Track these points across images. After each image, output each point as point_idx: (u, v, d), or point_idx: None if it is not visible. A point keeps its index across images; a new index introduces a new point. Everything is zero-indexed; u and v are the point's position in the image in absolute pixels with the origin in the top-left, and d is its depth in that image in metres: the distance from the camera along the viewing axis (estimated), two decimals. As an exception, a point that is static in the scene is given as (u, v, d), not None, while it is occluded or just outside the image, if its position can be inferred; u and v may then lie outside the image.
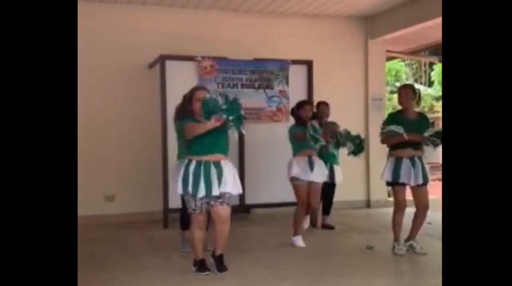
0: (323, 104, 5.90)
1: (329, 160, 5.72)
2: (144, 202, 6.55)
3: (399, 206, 4.66)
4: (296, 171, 5.00)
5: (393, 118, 4.68)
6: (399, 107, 4.81)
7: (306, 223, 5.23)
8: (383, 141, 4.74)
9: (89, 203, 6.34)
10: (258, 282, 3.91)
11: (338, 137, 5.05)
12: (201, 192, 3.93)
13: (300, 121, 5.12)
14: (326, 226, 5.96)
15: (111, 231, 5.94)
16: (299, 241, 5.11)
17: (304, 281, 3.93)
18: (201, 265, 4.19)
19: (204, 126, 3.86)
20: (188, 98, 4.15)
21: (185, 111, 4.15)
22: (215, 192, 3.94)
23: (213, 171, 3.95)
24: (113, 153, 6.56)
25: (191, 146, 4.00)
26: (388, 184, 4.77)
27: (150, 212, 6.43)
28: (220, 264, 4.16)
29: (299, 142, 5.04)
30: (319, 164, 5.14)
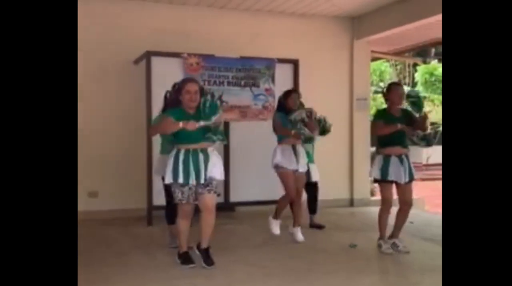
0: (294, 92, 5.85)
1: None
2: (128, 199, 6.50)
3: (386, 204, 4.70)
4: (279, 159, 5.02)
5: (381, 114, 4.75)
6: (384, 105, 4.88)
7: (277, 229, 5.21)
8: (376, 131, 4.72)
9: (72, 199, 6.28)
10: (243, 280, 3.92)
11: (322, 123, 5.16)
12: (191, 179, 3.98)
13: (285, 110, 5.11)
14: (314, 226, 5.96)
15: (95, 228, 5.88)
16: (276, 227, 5.15)
17: (289, 279, 3.95)
18: (185, 258, 4.21)
19: (174, 126, 3.95)
20: (177, 89, 4.17)
21: (173, 101, 4.17)
22: (203, 178, 4.00)
23: (201, 158, 4.02)
24: (97, 148, 6.50)
25: (179, 135, 4.02)
26: (375, 181, 4.81)
27: (134, 208, 6.38)
28: (207, 258, 4.17)
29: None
30: (303, 153, 5.18)
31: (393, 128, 4.56)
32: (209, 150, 4.11)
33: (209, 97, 4.14)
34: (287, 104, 5.17)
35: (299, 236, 5.18)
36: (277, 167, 5.08)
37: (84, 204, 6.37)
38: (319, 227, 5.93)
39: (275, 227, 5.18)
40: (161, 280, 3.93)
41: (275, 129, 5.20)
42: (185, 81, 4.26)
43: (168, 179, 4.07)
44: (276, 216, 5.20)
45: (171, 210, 4.80)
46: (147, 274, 4.07)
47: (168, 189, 4.78)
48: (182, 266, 4.21)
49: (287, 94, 5.27)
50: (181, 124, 3.93)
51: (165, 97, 4.77)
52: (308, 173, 5.67)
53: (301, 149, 5.14)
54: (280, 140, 5.14)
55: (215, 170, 4.09)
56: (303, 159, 5.16)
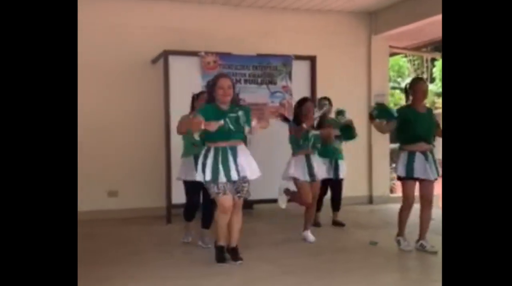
0: (324, 100, 5.87)
1: (334, 155, 5.72)
2: (147, 197, 6.54)
3: (408, 202, 4.61)
4: (292, 171, 5.03)
5: (403, 111, 4.64)
6: (402, 102, 4.80)
7: (312, 237, 5.19)
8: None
9: (92, 198, 6.35)
10: (263, 278, 3.90)
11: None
12: (222, 178, 4.02)
13: (297, 120, 5.07)
14: (336, 223, 5.93)
15: (115, 227, 5.94)
16: (310, 236, 5.14)
17: (309, 277, 3.92)
18: (220, 253, 4.25)
19: (197, 126, 3.95)
20: (211, 85, 4.19)
21: (209, 97, 4.20)
22: (234, 176, 4.04)
23: (230, 156, 4.05)
24: (116, 148, 6.56)
25: (209, 133, 4.03)
26: (399, 179, 4.71)
27: (153, 207, 6.43)
28: (235, 255, 4.24)
29: (296, 141, 5.06)
30: (318, 162, 5.16)
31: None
32: (238, 147, 4.12)
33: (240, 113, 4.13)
34: (302, 113, 5.06)
35: (311, 237, 5.15)
36: (293, 179, 5.08)
37: (104, 203, 6.46)
38: (341, 224, 5.89)
39: (309, 236, 5.15)
40: (181, 277, 3.94)
41: (291, 135, 5.15)
42: (217, 77, 4.28)
43: (199, 177, 4.12)
44: (306, 227, 5.18)
45: (189, 208, 4.86)
46: (166, 272, 4.09)
47: (188, 189, 4.82)
48: (202, 264, 4.23)
49: (301, 103, 5.18)
50: (203, 125, 3.91)
51: (193, 98, 4.85)
52: (336, 170, 5.64)
53: (315, 159, 5.10)
54: (295, 152, 5.12)
55: (247, 168, 4.11)
56: (318, 167, 5.12)
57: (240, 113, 4.13)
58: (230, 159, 4.06)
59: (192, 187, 4.73)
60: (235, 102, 4.21)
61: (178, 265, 4.30)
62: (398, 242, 4.69)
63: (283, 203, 5.27)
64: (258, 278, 3.91)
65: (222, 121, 3.99)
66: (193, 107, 4.80)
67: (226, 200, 4.11)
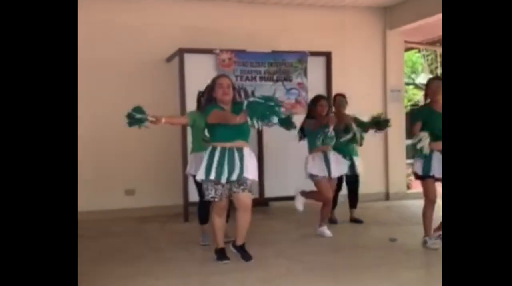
0: (340, 96, 5.84)
1: (348, 152, 5.68)
2: (164, 196, 6.56)
3: (430, 200, 4.53)
4: (311, 168, 5.06)
5: (424, 112, 4.60)
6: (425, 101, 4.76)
7: (328, 232, 5.18)
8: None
9: (110, 197, 6.38)
10: (283, 275, 3.89)
11: (353, 131, 5.39)
12: (224, 177, 3.97)
13: (313, 117, 5.13)
14: (354, 220, 5.90)
15: (132, 225, 5.97)
16: (326, 231, 5.15)
17: (329, 273, 3.90)
18: (221, 254, 4.23)
19: (231, 119, 3.92)
20: (211, 86, 4.18)
21: (209, 99, 4.17)
22: (235, 176, 3.99)
23: (236, 157, 4.01)
24: (132, 147, 6.57)
25: (215, 133, 4.04)
26: (417, 177, 4.66)
27: (171, 205, 6.44)
28: (245, 253, 4.20)
29: (312, 140, 5.09)
30: (336, 158, 5.17)
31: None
32: (245, 149, 4.09)
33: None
34: (316, 111, 5.12)
35: (327, 232, 5.15)
36: (312, 176, 5.10)
37: (121, 202, 6.49)
38: (359, 221, 5.86)
39: (326, 232, 5.16)
40: (201, 274, 3.94)
41: (308, 132, 5.17)
42: (216, 76, 4.29)
43: (200, 176, 4.08)
44: (321, 223, 5.20)
45: (203, 209, 4.84)
46: (187, 269, 4.09)
47: (200, 187, 4.82)
48: (220, 262, 4.21)
49: (315, 100, 5.22)
50: (238, 118, 3.83)
51: (199, 98, 4.83)
52: (352, 166, 5.62)
53: (331, 155, 5.12)
54: (311, 149, 5.14)
55: (250, 170, 4.06)
56: (336, 164, 5.14)
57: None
58: (237, 160, 3.99)
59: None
60: (236, 102, 4.13)
61: (197, 262, 4.30)
62: (425, 242, 4.59)
63: (300, 205, 5.27)
64: (278, 274, 3.89)
65: (240, 119, 3.86)
66: (199, 105, 4.78)
67: (221, 204, 4.14)
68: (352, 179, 5.83)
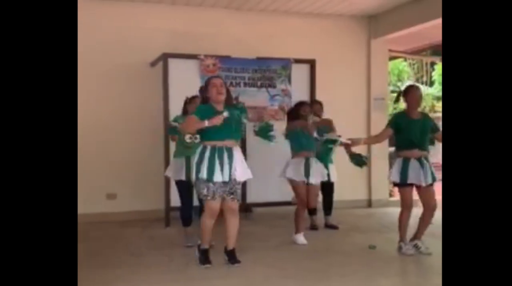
0: (317, 103, 5.92)
1: (323, 159, 5.72)
2: (145, 200, 6.54)
3: (406, 207, 4.62)
4: (290, 172, 5.13)
5: (398, 118, 4.69)
6: (400, 107, 4.83)
7: (303, 239, 5.18)
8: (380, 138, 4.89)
9: (91, 201, 6.33)
10: (261, 282, 3.89)
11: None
12: (218, 177, 4.03)
13: (296, 118, 5.21)
14: (329, 226, 5.95)
15: (113, 229, 5.93)
16: (301, 238, 5.16)
17: (307, 281, 3.91)
18: (204, 256, 4.26)
19: (200, 124, 4.03)
20: (204, 88, 4.26)
21: (203, 99, 4.26)
22: (226, 177, 4.05)
23: (226, 156, 4.07)
24: (115, 151, 6.55)
25: (206, 132, 4.09)
26: (395, 185, 4.74)
27: (152, 210, 6.42)
28: (233, 258, 4.25)
29: (298, 142, 5.15)
30: (317, 165, 5.22)
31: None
32: (234, 149, 4.15)
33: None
34: (299, 116, 5.21)
35: (301, 239, 5.15)
36: (289, 180, 5.17)
37: (102, 206, 6.45)
38: (334, 227, 5.90)
39: (301, 239, 5.17)
40: (179, 280, 3.93)
41: (289, 134, 5.24)
42: (210, 78, 4.40)
43: (193, 176, 4.14)
44: (297, 230, 5.20)
45: (186, 212, 4.88)
46: (164, 275, 4.07)
47: (181, 191, 4.88)
48: (200, 268, 4.22)
49: (298, 105, 5.35)
50: (206, 123, 3.98)
51: (185, 103, 4.95)
52: (327, 173, 5.66)
53: (314, 161, 5.17)
54: (294, 153, 5.20)
55: (238, 171, 4.13)
56: (317, 171, 5.20)
57: (237, 111, 4.20)
58: (226, 159, 4.07)
59: (184, 186, 4.87)
60: (230, 103, 4.25)
61: (176, 268, 4.29)
62: (400, 248, 4.68)
63: (302, 239, 5.19)
64: (256, 281, 3.90)
65: (226, 114, 4.01)
66: (185, 111, 4.87)
67: (214, 204, 4.13)
68: (327, 186, 5.86)
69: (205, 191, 4.10)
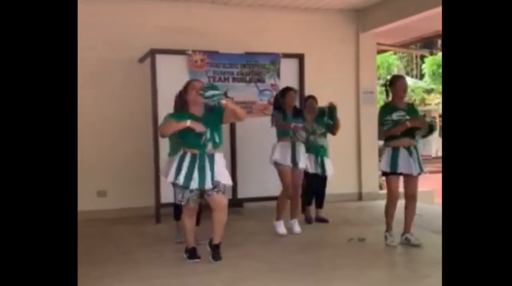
0: (311, 98, 5.96)
1: (319, 153, 5.76)
2: (136, 197, 6.52)
3: (392, 197, 4.67)
4: (277, 156, 5.17)
5: (387, 109, 4.70)
6: (388, 99, 4.86)
7: (282, 229, 5.25)
8: (388, 131, 4.69)
9: (81, 198, 6.21)
10: (251, 276, 3.91)
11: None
12: (194, 184, 4.02)
13: (281, 109, 5.24)
14: (320, 219, 5.98)
15: (104, 227, 5.92)
16: (280, 227, 5.21)
17: (297, 274, 3.93)
18: (191, 253, 4.28)
19: (178, 125, 4.00)
20: (183, 90, 4.24)
21: (181, 103, 4.22)
22: (208, 184, 4.04)
23: (207, 163, 4.06)
24: (104, 148, 6.53)
25: (186, 138, 4.07)
26: (384, 174, 4.77)
27: (142, 207, 6.40)
28: (216, 253, 4.22)
29: (283, 130, 5.18)
30: (302, 150, 5.27)
31: (403, 127, 4.52)
32: (216, 155, 4.14)
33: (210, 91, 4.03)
34: (285, 102, 5.26)
35: (296, 228, 5.27)
36: (275, 164, 5.20)
37: (93, 203, 6.43)
38: (324, 221, 5.93)
39: (280, 227, 5.24)
40: (169, 276, 3.94)
41: (275, 125, 5.28)
42: (189, 81, 4.38)
43: (170, 178, 4.13)
44: (278, 217, 5.26)
45: (177, 206, 4.87)
46: (155, 271, 4.08)
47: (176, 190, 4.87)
48: (190, 263, 4.24)
49: (284, 91, 5.35)
50: (188, 122, 3.97)
51: (176, 99, 4.81)
52: (322, 167, 5.70)
53: (300, 146, 5.22)
54: (280, 138, 5.21)
55: (222, 175, 4.14)
56: (303, 155, 5.25)
57: (215, 117, 4.12)
58: (207, 166, 4.05)
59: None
60: (209, 109, 4.12)
61: (166, 264, 4.29)
62: (386, 238, 4.73)
63: (281, 228, 5.27)
64: (247, 276, 3.91)
65: (204, 128, 4.00)
66: (176, 107, 4.80)
67: (190, 206, 4.18)
68: (321, 180, 5.89)
69: (180, 196, 4.14)
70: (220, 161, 4.17)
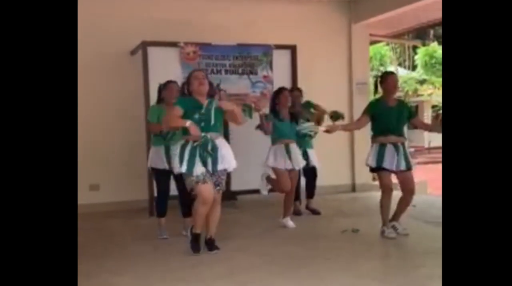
0: (296, 90, 5.94)
1: (303, 145, 5.75)
2: (129, 191, 6.50)
3: (385, 191, 4.69)
4: (271, 161, 5.16)
5: (374, 105, 4.72)
6: (375, 94, 4.88)
7: (291, 223, 5.27)
8: (359, 124, 4.92)
9: (74, 192, 6.27)
10: (246, 268, 3.90)
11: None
12: (197, 169, 4.04)
13: (275, 110, 5.21)
14: (311, 210, 6.00)
15: (97, 220, 5.90)
16: (288, 222, 5.27)
17: (291, 265, 3.94)
18: (195, 241, 4.26)
19: (180, 122, 4.04)
20: (186, 81, 4.29)
21: (184, 93, 4.28)
22: (210, 168, 4.09)
23: (209, 149, 4.08)
24: (97, 141, 6.49)
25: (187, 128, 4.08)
26: (371, 170, 4.79)
27: (135, 200, 6.39)
28: (212, 246, 4.28)
29: (277, 133, 5.16)
30: (297, 152, 5.26)
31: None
32: (217, 141, 4.15)
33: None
34: (280, 103, 5.22)
35: (291, 224, 5.27)
36: (272, 169, 5.21)
37: (85, 197, 6.36)
38: (315, 212, 5.94)
39: (289, 223, 5.27)
40: (163, 270, 3.93)
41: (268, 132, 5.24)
42: (192, 71, 4.44)
43: (177, 170, 4.15)
44: (285, 215, 5.29)
45: (160, 202, 4.92)
46: (150, 264, 4.06)
47: (158, 180, 4.88)
48: (185, 256, 4.23)
49: (278, 92, 5.32)
50: (188, 123, 4.00)
51: (159, 89, 4.90)
52: (306, 158, 5.70)
53: (294, 148, 5.21)
54: (274, 141, 5.22)
55: (225, 161, 4.16)
56: (298, 157, 5.24)
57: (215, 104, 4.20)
58: (209, 154, 4.08)
59: (161, 174, 4.85)
60: (212, 97, 4.26)
61: (160, 257, 4.28)
62: (383, 232, 4.73)
63: (264, 189, 5.40)
64: (241, 268, 3.91)
65: (198, 133, 4.02)
66: (159, 99, 4.85)
67: (205, 189, 4.08)
68: (308, 171, 5.89)
69: (194, 178, 4.06)
70: (222, 145, 4.18)
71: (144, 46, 6.06)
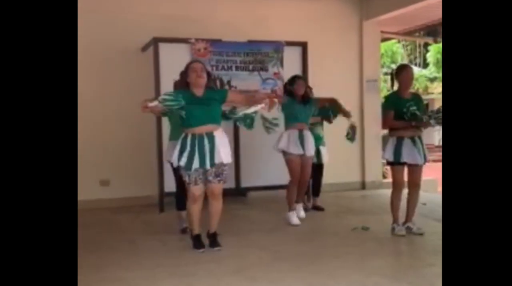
0: (307, 88, 5.90)
1: (315, 142, 5.72)
2: (139, 186, 6.52)
3: (397, 187, 4.66)
4: (283, 144, 5.12)
5: (392, 99, 4.67)
6: (392, 88, 4.82)
7: (296, 220, 5.25)
8: (386, 123, 4.70)
9: (84, 187, 6.28)
10: (255, 264, 3.91)
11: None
12: (195, 164, 4.05)
13: (293, 96, 5.25)
14: (316, 208, 6.00)
15: (107, 216, 5.93)
16: (294, 217, 5.21)
17: (300, 262, 3.93)
18: (197, 241, 4.29)
19: (147, 103, 4.03)
20: (184, 72, 4.26)
21: (182, 84, 4.27)
22: (208, 164, 4.07)
23: (206, 142, 4.07)
24: (107, 137, 6.52)
25: (185, 119, 4.11)
26: (388, 163, 4.76)
27: (146, 196, 6.41)
28: (214, 241, 4.28)
29: (291, 116, 5.17)
30: (310, 138, 5.25)
31: (404, 124, 4.50)
32: (215, 133, 4.13)
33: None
34: (295, 90, 5.26)
35: (301, 213, 5.30)
36: (283, 153, 5.17)
37: (96, 193, 6.44)
38: (320, 209, 5.94)
39: (293, 218, 5.23)
40: (172, 265, 3.94)
41: (284, 106, 5.26)
42: (190, 62, 4.39)
43: (175, 162, 4.19)
44: (290, 208, 5.26)
45: (180, 196, 4.86)
46: (159, 260, 4.08)
47: (177, 175, 4.86)
48: (193, 252, 4.24)
49: (293, 80, 5.35)
50: (154, 103, 3.97)
51: (175, 85, 4.90)
52: (318, 155, 5.69)
53: (308, 134, 5.19)
54: (288, 126, 5.17)
55: (222, 153, 4.12)
56: (310, 143, 5.22)
57: (216, 96, 4.20)
58: (207, 145, 4.07)
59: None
60: (211, 88, 4.27)
61: (170, 253, 4.30)
62: (393, 229, 4.71)
63: (295, 219, 5.24)
64: (250, 264, 3.91)
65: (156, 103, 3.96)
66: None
67: (196, 190, 4.16)
68: (317, 168, 5.88)
69: (187, 178, 4.17)
70: (220, 138, 4.15)
71: (155, 42, 6.07)
